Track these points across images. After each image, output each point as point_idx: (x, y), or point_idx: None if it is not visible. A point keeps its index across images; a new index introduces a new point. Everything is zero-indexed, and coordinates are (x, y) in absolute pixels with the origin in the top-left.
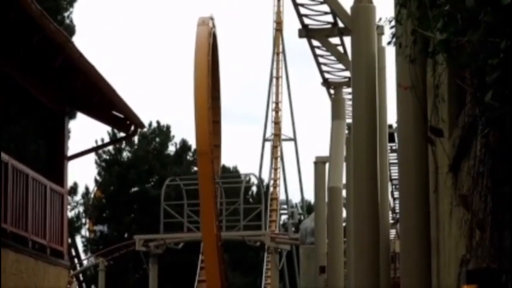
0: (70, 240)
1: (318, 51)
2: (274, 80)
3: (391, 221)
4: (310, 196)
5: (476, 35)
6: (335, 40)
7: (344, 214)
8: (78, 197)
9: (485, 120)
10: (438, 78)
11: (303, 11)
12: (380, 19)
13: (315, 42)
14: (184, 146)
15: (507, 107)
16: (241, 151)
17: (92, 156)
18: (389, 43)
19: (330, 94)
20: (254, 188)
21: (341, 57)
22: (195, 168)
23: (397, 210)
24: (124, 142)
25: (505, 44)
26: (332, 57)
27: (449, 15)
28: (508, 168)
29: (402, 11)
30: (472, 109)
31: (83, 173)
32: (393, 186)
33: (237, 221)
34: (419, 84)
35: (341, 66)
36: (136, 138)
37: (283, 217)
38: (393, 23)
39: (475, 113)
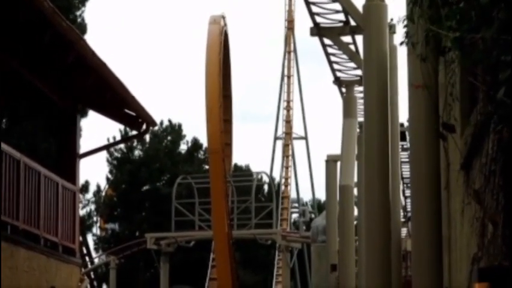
0: (81, 238)
1: (329, 50)
2: (285, 79)
3: (402, 220)
4: (321, 194)
5: (490, 32)
6: (346, 38)
7: (356, 212)
8: (89, 195)
9: (497, 117)
10: (451, 76)
11: (314, 9)
12: (392, 19)
13: (327, 41)
14: (195, 144)
15: None
16: (252, 150)
17: (103, 154)
18: (401, 43)
19: (341, 92)
20: (265, 187)
21: (353, 56)
22: (206, 167)
23: (408, 209)
24: (135, 140)
25: None
26: (344, 56)
27: (463, 12)
28: None
29: (414, 9)
30: (484, 107)
31: (94, 171)
32: (405, 185)
33: (248, 219)
34: (431, 83)
35: (352, 64)
36: (147, 137)
37: (295, 215)
38: (405, 22)
39: (487, 110)
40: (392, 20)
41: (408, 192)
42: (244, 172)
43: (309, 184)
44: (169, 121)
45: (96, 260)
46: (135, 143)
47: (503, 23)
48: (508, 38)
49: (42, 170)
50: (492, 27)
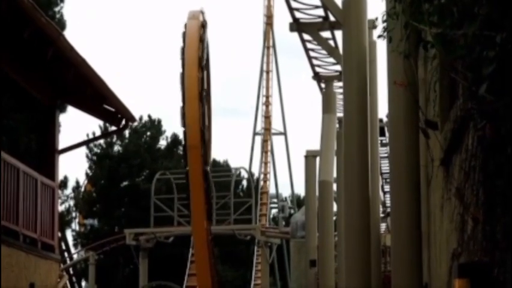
0: (60, 234)
1: (309, 45)
2: (264, 74)
3: (381, 215)
4: (300, 190)
5: (473, 28)
6: (326, 34)
7: (335, 208)
8: (68, 191)
9: (478, 113)
10: (431, 72)
11: (294, 4)
12: (377, 18)
13: (306, 36)
14: (175, 140)
15: (503, 100)
16: (231, 145)
17: (83, 149)
18: (379, 36)
19: (321, 88)
20: (244, 182)
21: (332, 51)
22: None
23: (387, 204)
24: (115, 136)
25: (500, 38)
26: (323, 51)
27: (445, 8)
28: (501, 161)
29: (396, 5)
30: (464, 102)
31: (73, 167)
32: (384, 180)
33: (227, 215)
34: (411, 78)
35: (331, 60)
36: (127, 132)
37: (274, 211)
38: (385, 17)
39: (467, 106)
40: (376, 18)
41: (387, 188)
42: (223, 167)
43: (288, 179)
44: (149, 116)
45: (75, 256)
46: (114, 139)
47: (485, 18)
48: (490, 33)
49: (22, 166)
50: (474, 23)
